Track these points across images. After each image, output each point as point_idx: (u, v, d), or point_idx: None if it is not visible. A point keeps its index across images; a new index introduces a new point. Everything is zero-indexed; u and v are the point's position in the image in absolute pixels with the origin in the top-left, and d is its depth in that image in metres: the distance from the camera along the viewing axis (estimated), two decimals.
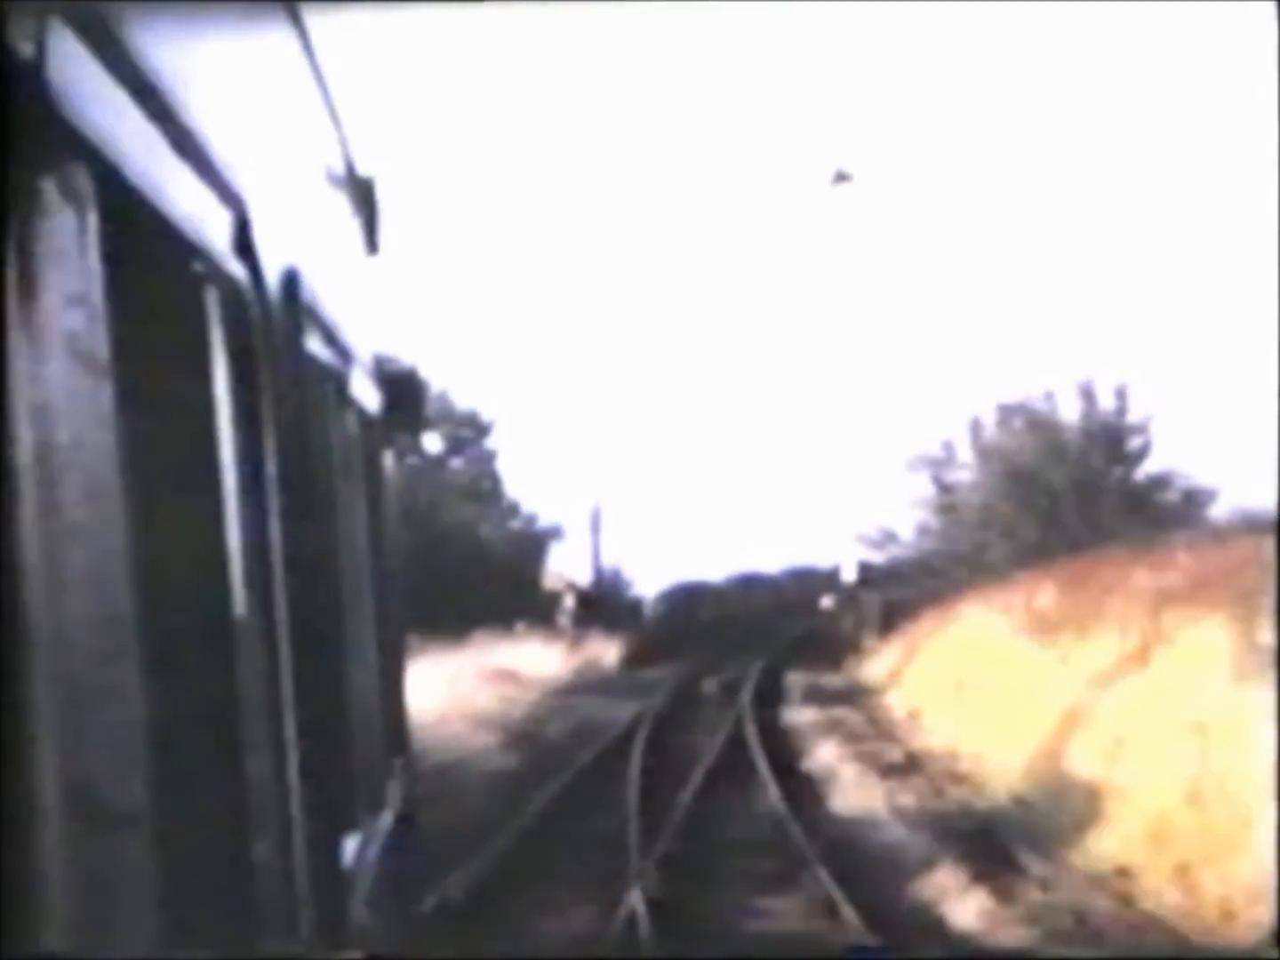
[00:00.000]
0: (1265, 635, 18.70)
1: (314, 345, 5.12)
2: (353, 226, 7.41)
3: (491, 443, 62.28)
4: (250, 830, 3.58)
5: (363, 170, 7.65)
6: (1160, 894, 16.85)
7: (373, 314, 7.69)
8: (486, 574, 53.27)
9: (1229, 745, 17.75)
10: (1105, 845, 18.81)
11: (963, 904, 17.45)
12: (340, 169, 6.93)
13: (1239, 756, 17.31)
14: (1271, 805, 16.23)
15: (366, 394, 7.13)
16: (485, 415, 61.47)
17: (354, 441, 6.66)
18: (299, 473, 4.25)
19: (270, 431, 3.90)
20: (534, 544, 59.45)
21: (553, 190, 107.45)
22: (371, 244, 7.91)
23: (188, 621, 3.22)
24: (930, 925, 17.05)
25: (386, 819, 6.89)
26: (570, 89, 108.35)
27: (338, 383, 6.07)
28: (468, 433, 60.87)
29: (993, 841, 19.92)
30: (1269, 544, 22.62)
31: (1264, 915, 14.91)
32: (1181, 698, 19.94)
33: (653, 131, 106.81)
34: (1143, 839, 18.12)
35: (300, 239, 4.93)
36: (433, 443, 57.74)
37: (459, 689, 33.74)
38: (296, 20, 5.34)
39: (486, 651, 43.14)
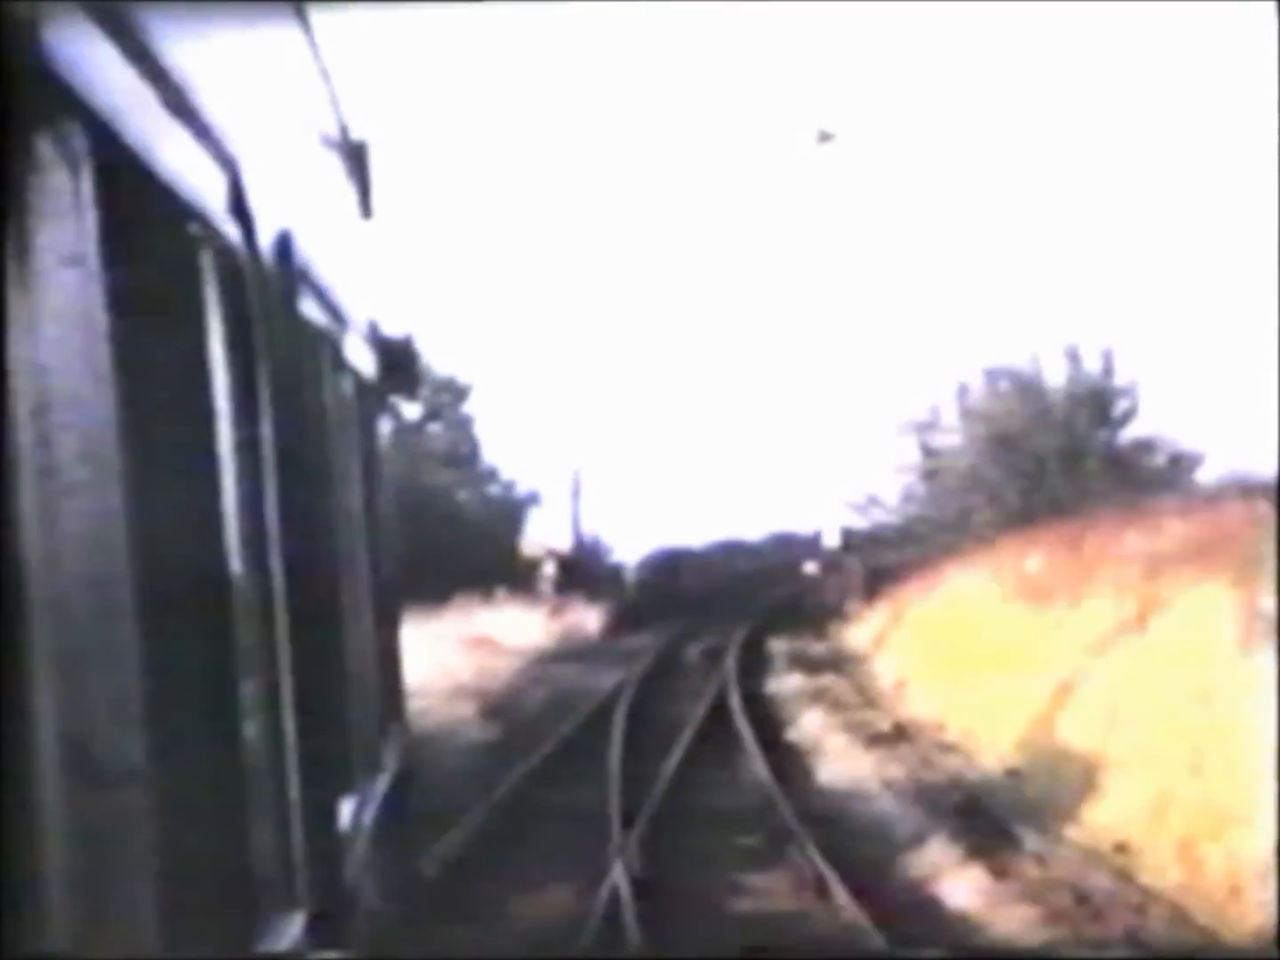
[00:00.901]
0: (1267, 601, 18.30)
1: (308, 308, 5.18)
2: (347, 191, 7.49)
3: (470, 408, 61.98)
4: (247, 791, 3.63)
5: (357, 135, 7.75)
6: (1162, 870, 16.41)
7: (368, 278, 7.76)
8: (465, 540, 52.87)
9: (1232, 714, 17.32)
10: (1103, 819, 18.37)
11: (957, 881, 17.03)
12: (335, 133, 7.00)
13: (1243, 726, 16.89)
14: (1273, 779, 15.85)
15: (361, 358, 7.15)
16: (463, 380, 61.11)
17: (349, 405, 6.69)
18: (294, 434, 4.32)
19: (265, 392, 3.94)
20: (513, 510, 59.05)
21: (534, 153, 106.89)
22: (365, 208, 7.98)
23: (184, 583, 3.26)
24: (924, 904, 16.64)
25: (382, 782, 6.98)
26: (554, 54, 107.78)
27: (332, 346, 6.10)
28: (446, 397, 60.42)
29: (986, 815, 19.52)
30: (1264, 507, 22.25)
31: (1272, 893, 14.51)
32: (1182, 665, 19.48)
33: (635, 95, 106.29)
34: (1143, 813, 17.67)
35: (294, 202, 5.01)
36: (410, 408, 57.29)
37: (437, 657, 33.30)
38: None
39: (465, 619, 42.76)
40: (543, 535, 54.96)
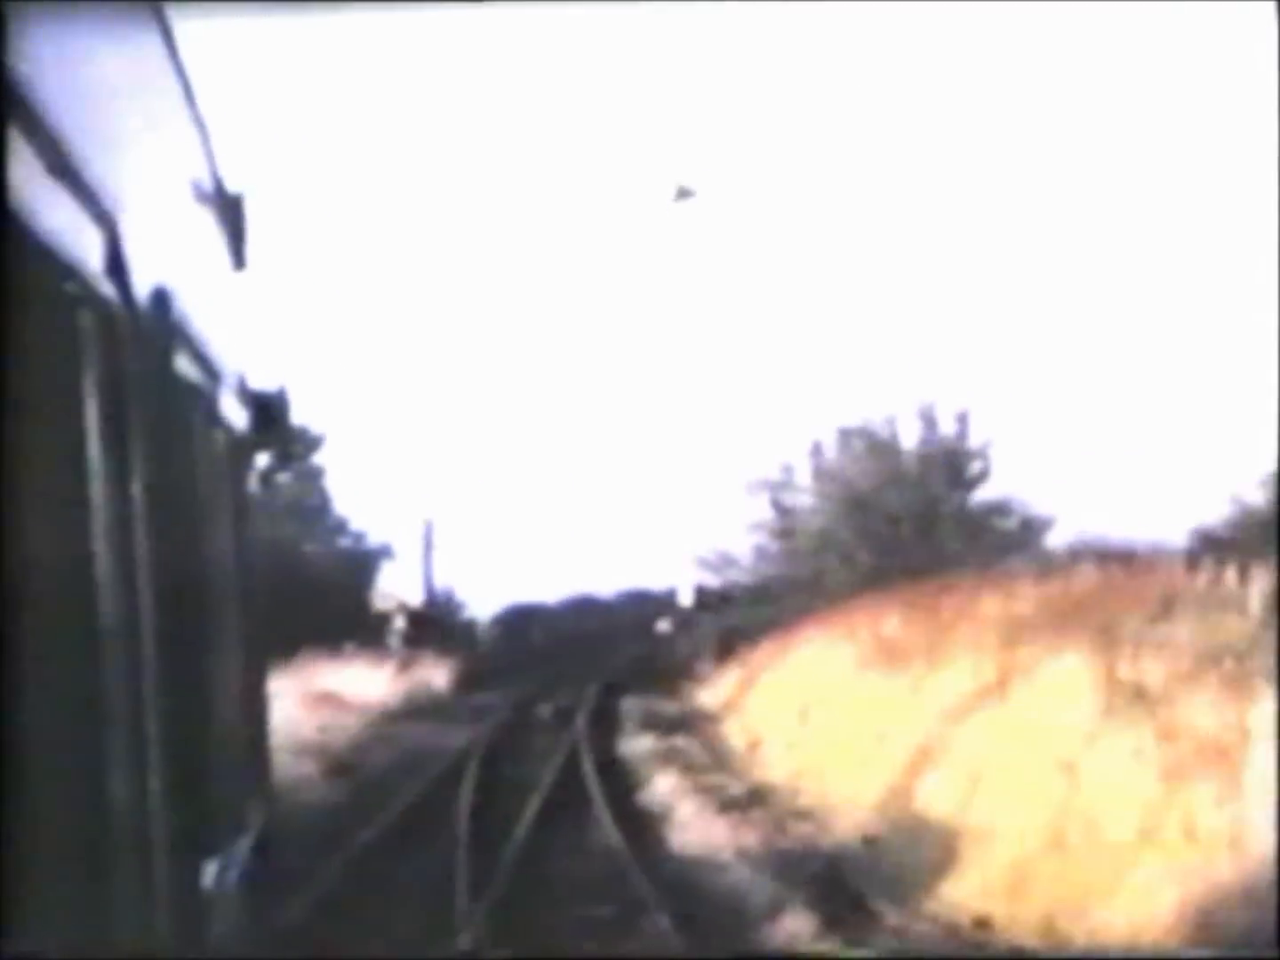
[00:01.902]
0: (1128, 669, 18.04)
1: (183, 363, 5.18)
2: (219, 243, 7.47)
3: (320, 458, 61.32)
4: (110, 851, 3.58)
5: (231, 186, 7.75)
6: (1023, 947, 15.98)
7: (239, 331, 7.68)
8: (313, 593, 52.10)
9: (1095, 785, 16.96)
10: (963, 892, 17.92)
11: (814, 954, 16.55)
12: (209, 185, 6.99)
13: (1106, 797, 16.55)
14: (1137, 849, 15.56)
15: (233, 412, 7.13)
16: (314, 430, 60.42)
17: (220, 460, 6.66)
18: (166, 493, 4.32)
19: (138, 451, 3.94)
20: (364, 563, 58.34)
21: (386, 202, 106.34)
22: (239, 261, 7.97)
23: (52, 639, 3.21)
24: None
25: (246, 841, 6.91)
26: (418, 103, 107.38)
27: (206, 402, 6.10)
28: (297, 448, 59.71)
29: (842, 885, 19.03)
30: (1119, 573, 22.07)
31: None
32: (1043, 734, 19.11)
33: (496, 149, 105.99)
34: (1003, 886, 17.25)
35: (169, 257, 5.00)
36: (260, 458, 56.59)
37: (280, 713, 32.47)
38: (166, 35, 5.42)
39: (311, 674, 41.95)
40: (394, 588, 54.33)
